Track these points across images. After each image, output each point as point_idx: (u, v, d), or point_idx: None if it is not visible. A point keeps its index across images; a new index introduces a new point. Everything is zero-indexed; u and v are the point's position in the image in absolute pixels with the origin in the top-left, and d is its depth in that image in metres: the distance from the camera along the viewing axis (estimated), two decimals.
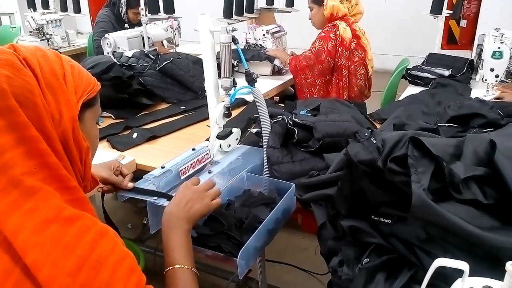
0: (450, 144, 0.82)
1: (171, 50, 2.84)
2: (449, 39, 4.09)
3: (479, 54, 2.25)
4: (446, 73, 2.24)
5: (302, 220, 1.36)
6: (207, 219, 1.07)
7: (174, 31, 2.85)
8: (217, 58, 1.40)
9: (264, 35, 2.69)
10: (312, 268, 2.04)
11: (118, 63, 2.11)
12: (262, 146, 1.32)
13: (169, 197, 1.04)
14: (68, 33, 3.53)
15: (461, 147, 0.80)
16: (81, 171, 0.75)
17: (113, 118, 1.91)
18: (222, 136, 1.37)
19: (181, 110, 2.00)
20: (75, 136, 0.71)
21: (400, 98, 2.09)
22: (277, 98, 2.49)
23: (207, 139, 1.46)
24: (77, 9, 3.49)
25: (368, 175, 0.86)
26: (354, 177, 0.89)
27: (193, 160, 1.26)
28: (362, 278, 0.83)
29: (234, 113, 1.81)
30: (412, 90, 2.21)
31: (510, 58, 1.94)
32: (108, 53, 2.54)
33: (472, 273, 0.62)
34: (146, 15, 2.57)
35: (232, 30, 1.27)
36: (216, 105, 1.39)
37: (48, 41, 3.38)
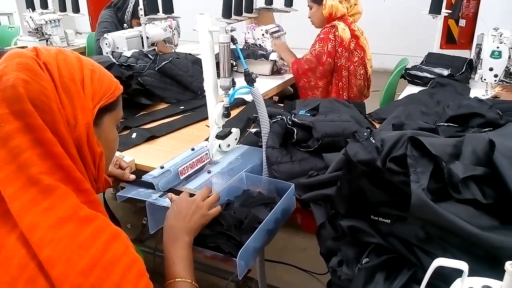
0: (449, 144, 0.82)
1: (171, 50, 2.83)
2: (448, 39, 4.08)
3: (478, 53, 2.26)
4: (445, 72, 2.24)
5: (302, 220, 1.36)
6: None
7: (173, 31, 2.84)
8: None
9: (263, 35, 2.69)
10: (311, 268, 2.04)
11: (117, 63, 2.11)
12: (261, 146, 1.31)
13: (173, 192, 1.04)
14: (67, 33, 3.53)
15: (460, 146, 0.80)
16: (94, 175, 0.77)
17: None
18: (221, 136, 1.37)
19: (180, 110, 2.00)
20: (89, 142, 0.72)
21: (399, 98, 2.09)
22: (276, 98, 2.48)
23: (206, 139, 1.46)
24: (76, 9, 3.48)
25: (367, 175, 0.85)
26: (353, 177, 0.89)
27: (192, 160, 1.26)
28: (361, 278, 0.83)
29: (233, 113, 1.81)
30: (411, 89, 2.20)
31: (509, 57, 1.94)
32: (107, 53, 2.53)
33: (471, 273, 0.62)
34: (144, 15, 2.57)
35: (231, 30, 1.27)
36: (215, 105, 1.39)
37: (47, 41, 3.37)
